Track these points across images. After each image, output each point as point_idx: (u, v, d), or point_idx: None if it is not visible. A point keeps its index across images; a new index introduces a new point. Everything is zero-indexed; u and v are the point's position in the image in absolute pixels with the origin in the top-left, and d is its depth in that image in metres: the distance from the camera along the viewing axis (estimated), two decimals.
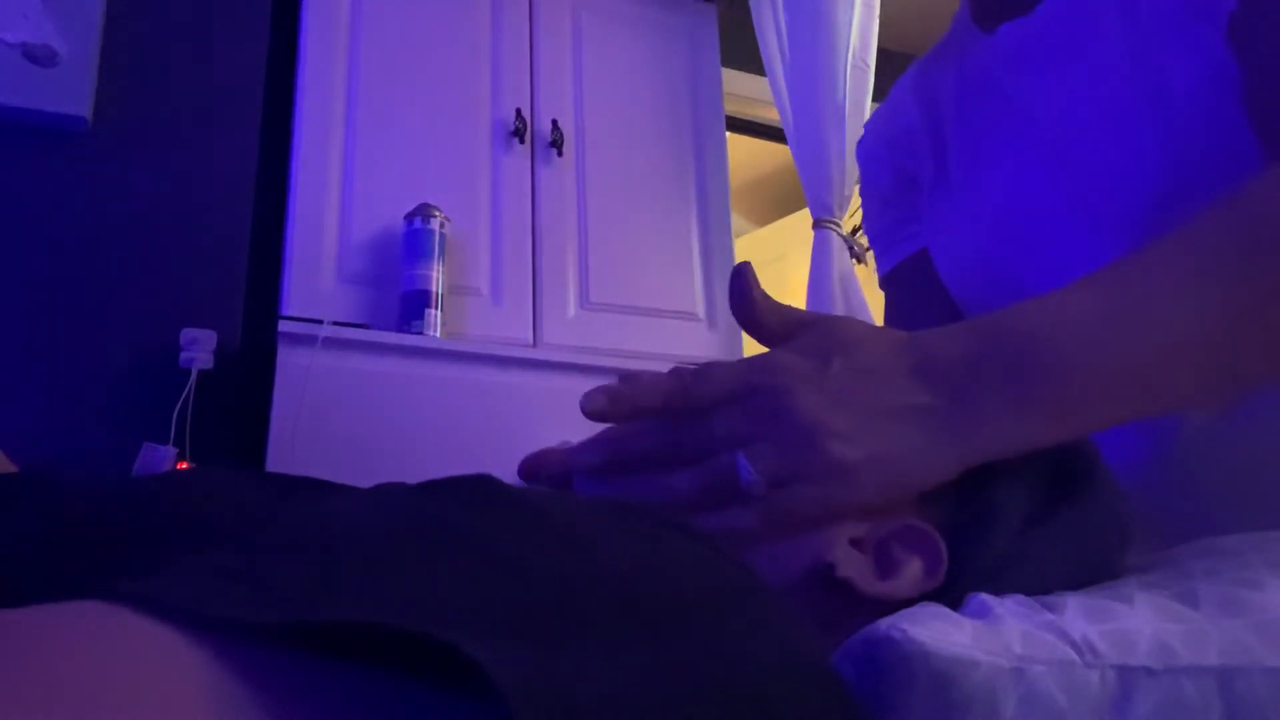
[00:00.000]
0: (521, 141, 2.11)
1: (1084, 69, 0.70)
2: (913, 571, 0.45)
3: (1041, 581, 0.47)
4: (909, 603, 0.45)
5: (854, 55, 2.37)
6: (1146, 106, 0.65)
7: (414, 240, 1.87)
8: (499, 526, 0.32)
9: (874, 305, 2.21)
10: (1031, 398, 0.45)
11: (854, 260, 2.34)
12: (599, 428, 0.49)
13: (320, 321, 1.74)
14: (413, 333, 1.82)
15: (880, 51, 2.45)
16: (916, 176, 0.88)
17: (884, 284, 0.95)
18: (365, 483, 0.43)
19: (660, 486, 0.44)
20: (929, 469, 0.45)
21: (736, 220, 2.50)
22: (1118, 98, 0.68)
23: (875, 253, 0.96)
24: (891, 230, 0.92)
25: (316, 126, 1.96)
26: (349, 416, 1.72)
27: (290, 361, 1.70)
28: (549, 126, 2.15)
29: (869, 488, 0.44)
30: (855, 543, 0.46)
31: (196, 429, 1.69)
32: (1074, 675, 0.38)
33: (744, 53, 2.63)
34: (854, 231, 3.00)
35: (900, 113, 0.90)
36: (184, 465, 1.65)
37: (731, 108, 2.63)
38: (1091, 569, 0.49)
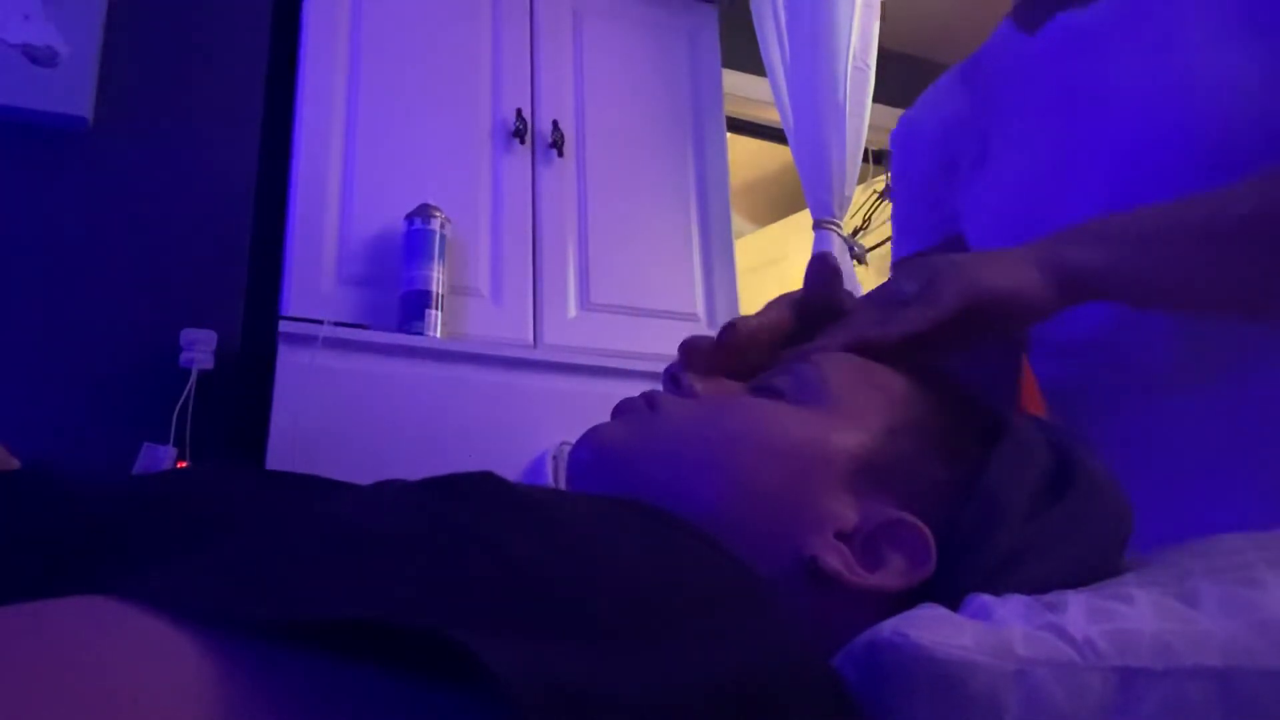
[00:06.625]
0: (522, 142, 2.11)
1: (1137, 52, 0.73)
2: (899, 562, 0.45)
3: (1043, 577, 0.47)
4: (903, 596, 0.45)
5: (854, 56, 2.37)
6: (1196, 86, 0.69)
7: (414, 240, 1.86)
8: (501, 524, 0.32)
9: None
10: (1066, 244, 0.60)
11: (854, 261, 2.34)
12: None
13: (320, 322, 1.74)
14: (413, 333, 1.82)
15: (880, 52, 2.45)
16: (957, 162, 0.89)
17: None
18: (365, 483, 0.43)
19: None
20: (1015, 267, 0.57)
21: (736, 220, 2.50)
22: (1168, 76, 0.70)
23: (896, 238, 0.97)
24: (921, 215, 0.93)
25: (316, 126, 1.95)
26: (349, 417, 1.72)
27: (290, 361, 1.70)
28: (549, 127, 2.15)
29: (981, 272, 0.56)
30: (842, 537, 0.46)
31: (196, 429, 1.69)
32: (1076, 677, 0.38)
33: (744, 53, 2.62)
34: (854, 232, 3.00)
35: (948, 99, 0.92)
36: (184, 465, 1.64)
37: (731, 108, 2.63)
38: (1092, 563, 0.49)
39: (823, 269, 0.63)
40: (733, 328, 0.60)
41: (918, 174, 0.94)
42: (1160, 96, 0.71)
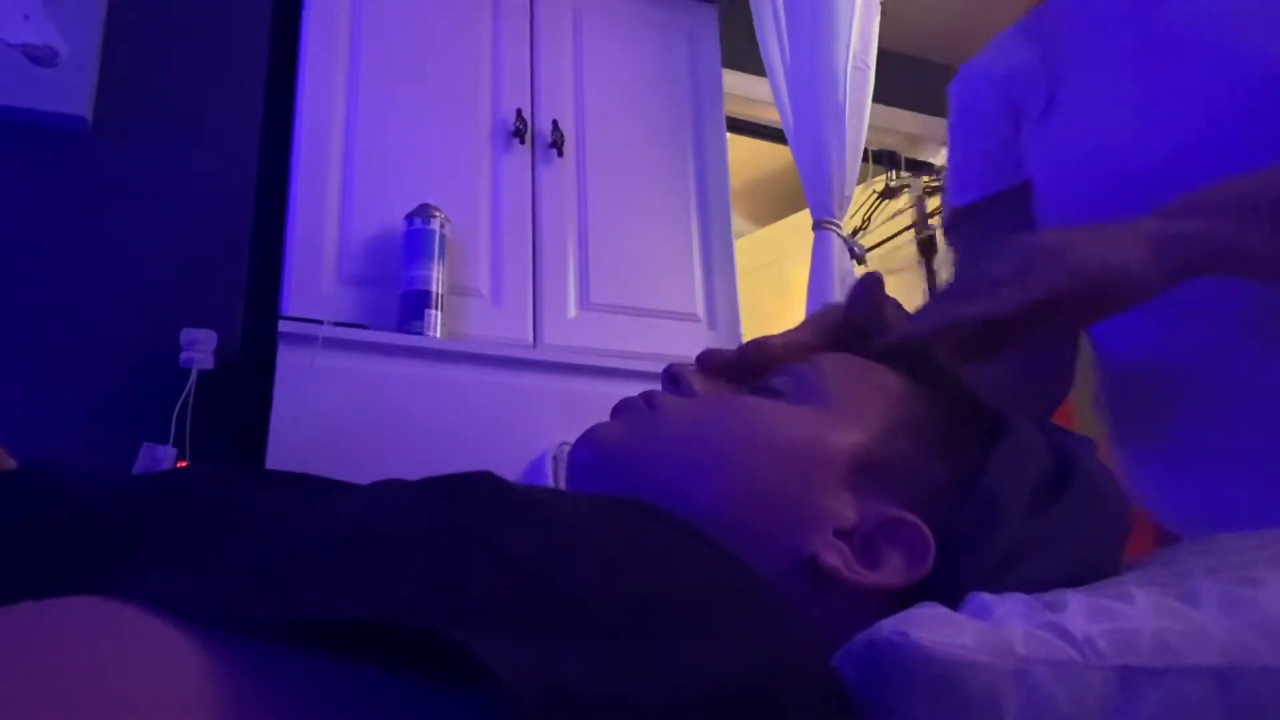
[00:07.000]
0: (522, 142, 2.11)
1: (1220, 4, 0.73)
2: (898, 561, 0.46)
3: (1042, 576, 0.47)
4: (902, 595, 0.45)
5: (854, 56, 2.37)
6: None
7: (414, 240, 1.86)
8: (500, 524, 0.32)
9: None
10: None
11: (854, 261, 2.34)
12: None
13: (320, 322, 1.74)
14: (413, 333, 1.81)
15: (880, 52, 2.46)
16: (1020, 111, 0.89)
17: (959, 216, 0.94)
18: (365, 483, 0.43)
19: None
20: (1121, 246, 0.56)
21: (736, 220, 2.50)
22: (1253, 12, 0.70)
23: (952, 185, 0.96)
24: (980, 164, 0.93)
25: (316, 126, 1.95)
26: (349, 416, 1.72)
27: (290, 361, 1.70)
28: (549, 127, 2.15)
29: (1086, 252, 0.55)
30: (841, 535, 0.46)
31: (196, 429, 1.69)
32: (1076, 676, 0.38)
33: (744, 53, 2.63)
34: (854, 232, 3.00)
35: (1010, 51, 0.92)
36: (184, 465, 1.64)
37: (731, 108, 2.63)
38: (1091, 562, 0.49)
39: (870, 293, 0.61)
40: (756, 345, 0.59)
41: (977, 123, 0.94)
42: (1246, 34, 0.70)
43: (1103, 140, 0.79)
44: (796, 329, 0.61)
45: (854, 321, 0.60)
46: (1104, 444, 0.86)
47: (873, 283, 0.61)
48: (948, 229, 0.96)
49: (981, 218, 0.91)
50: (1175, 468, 0.78)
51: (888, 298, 0.62)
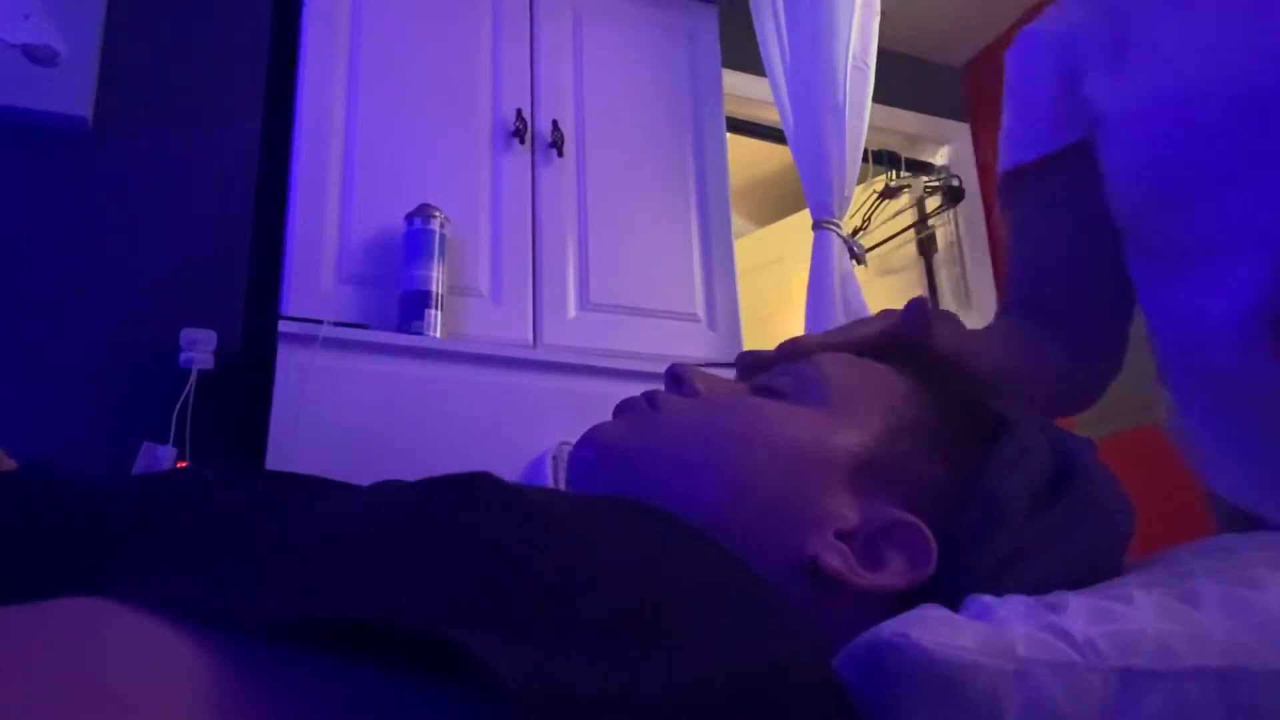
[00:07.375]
0: (522, 142, 2.11)
1: None
2: (900, 563, 0.45)
3: (1043, 577, 0.47)
4: (904, 597, 0.45)
5: (854, 56, 2.37)
6: None
7: (414, 240, 1.86)
8: (500, 525, 0.32)
9: (874, 306, 2.21)
10: None
11: (854, 261, 2.34)
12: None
13: (320, 321, 1.74)
14: (413, 333, 1.82)
15: (880, 52, 2.45)
16: (1084, 69, 0.89)
17: (1018, 176, 0.94)
18: (365, 483, 0.43)
19: None
20: None
21: (736, 220, 2.50)
22: None
23: (1015, 142, 0.96)
24: (1038, 123, 0.93)
25: (316, 126, 1.95)
26: (349, 417, 1.72)
27: (290, 361, 1.70)
28: (549, 127, 2.15)
29: None
30: (842, 537, 0.46)
31: (196, 429, 1.69)
32: (1077, 678, 0.38)
33: (744, 53, 2.63)
34: (854, 232, 3.00)
35: (1069, 14, 0.92)
36: (184, 465, 1.64)
37: (731, 108, 2.63)
38: (1092, 563, 0.49)
39: (921, 315, 0.62)
40: (794, 344, 0.60)
41: (1038, 80, 0.94)
42: None
43: (1191, 73, 0.78)
44: (834, 331, 0.62)
45: (904, 340, 0.60)
46: (1165, 419, 0.87)
47: (921, 304, 0.61)
48: (1003, 192, 0.96)
49: (1038, 177, 0.91)
50: (1245, 455, 0.78)
51: (939, 313, 0.62)
